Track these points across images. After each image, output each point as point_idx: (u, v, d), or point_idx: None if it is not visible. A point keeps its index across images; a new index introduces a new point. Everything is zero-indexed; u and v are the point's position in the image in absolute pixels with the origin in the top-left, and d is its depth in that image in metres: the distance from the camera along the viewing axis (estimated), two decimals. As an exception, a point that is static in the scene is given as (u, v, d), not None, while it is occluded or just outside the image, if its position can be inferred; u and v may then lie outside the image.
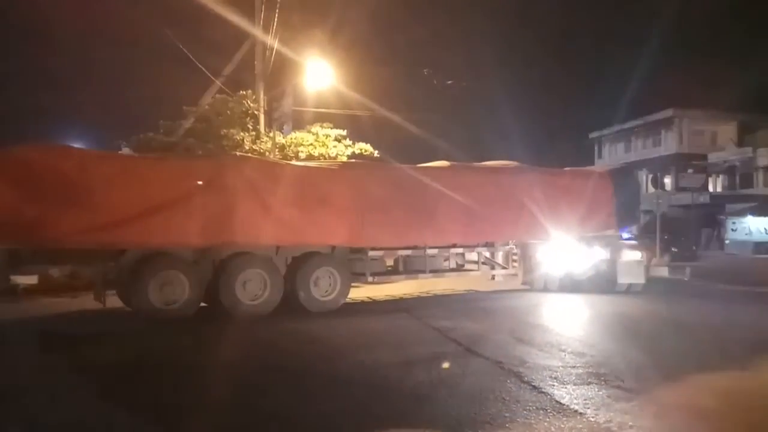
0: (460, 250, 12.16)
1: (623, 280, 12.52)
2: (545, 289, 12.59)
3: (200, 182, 9.30)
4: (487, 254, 12.71)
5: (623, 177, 14.35)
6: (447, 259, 12.30)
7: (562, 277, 12.87)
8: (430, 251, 11.52)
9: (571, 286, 12.69)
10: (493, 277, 13.19)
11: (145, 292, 8.83)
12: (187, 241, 9.12)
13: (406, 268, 11.63)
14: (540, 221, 12.10)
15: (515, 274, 13.12)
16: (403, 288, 12.24)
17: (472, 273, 12.63)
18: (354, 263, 10.80)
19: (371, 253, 10.91)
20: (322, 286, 10.16)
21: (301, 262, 10.08)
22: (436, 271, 11.92)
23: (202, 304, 9.51)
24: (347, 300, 11.24)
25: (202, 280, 9.32)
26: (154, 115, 18.02)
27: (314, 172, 10.68)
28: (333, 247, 10.48)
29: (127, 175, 8.98)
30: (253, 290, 9.52)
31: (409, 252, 11.46)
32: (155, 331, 8.33)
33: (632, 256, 12.79)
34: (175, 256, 9.26)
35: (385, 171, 12.16)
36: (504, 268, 12.95)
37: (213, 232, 9.10)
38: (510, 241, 12.74)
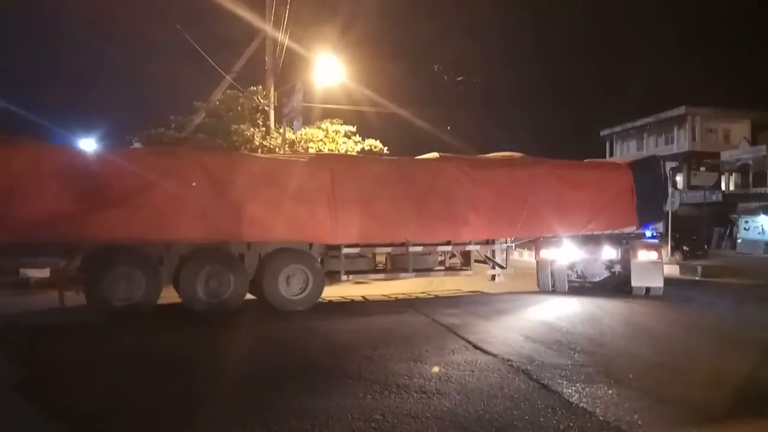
0: (449, 248, 11.30)
1: (638, 283, 11.50)
2: (554, 291, 11.89)
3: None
4: (487, 253, 11.87)
5: (646, 169, 12.87)
6: (443, 259, 11.57)
7: (573, 278, 12.22)
8: (413, 249, 10.77)
9: (583, 288, 12.08)
10: (493, 278, 12.10)
11: (98, 288, 8.74)
12: (146, 236, 8.87)
13: (390, 266, 11.04)
14: (544, 217, 11.34)
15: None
16: (405, 288, 12.00)
17: (463, 273, 11.80)
18: (329, 261, 10.34)
19: (345, 250, 10.33)
20: (294, 285, 9.81)
21: (271, 259, 9.76)
22: (422, 271, 11.22)
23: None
24: (350, 299, 11.19)
25: (163, 275, 9.19)
26: (165, 111, 18.14)
27: (283, 165, 10.24)
28: (310, 244, 10.08)
29: (81, 168, 8.81)
30: (216, 286, 9.29)
31: (389, 249, 10.79)
32: (150, 325, 8.38)
33: (648, 256, 11.59)
34: (133, 251, 9.05)
35: (361, 163, 11.52)
36: (503, 267, 11.93)
37: (175, 227, 8.93)
38: (508, 239, 11.85)
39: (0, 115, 18.21)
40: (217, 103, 17.59)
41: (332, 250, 10.33)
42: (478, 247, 11.56)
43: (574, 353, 6.82)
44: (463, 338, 7.55)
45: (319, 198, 9.82)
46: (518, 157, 12.37)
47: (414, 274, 11.06)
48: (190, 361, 6.44)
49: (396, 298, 11.48)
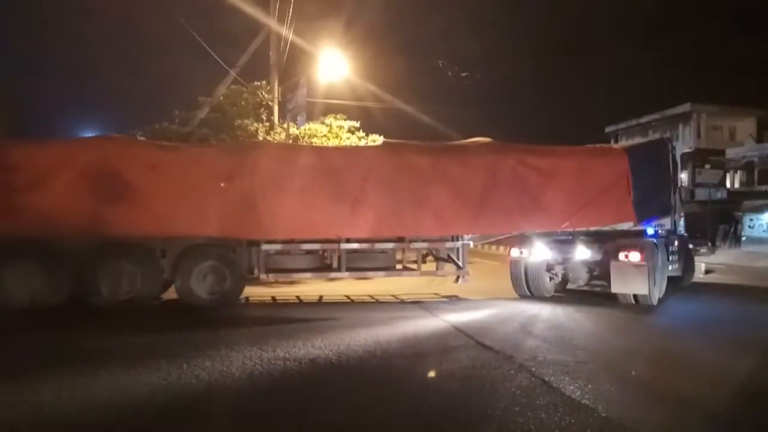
0: (391, 246, 10.29)
1: (618, 288, 9.79)
2: (531, 296, 10.77)
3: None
4: (441, 251, 10.76)
5: (648, 154, 11.13)
6: (415, 257, 10.69)
7: (557, 282, 11.04)
8: (345, 245, 9.96)
9: (567, 293, 11.05)
10: (457, 279, 10.77)
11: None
12: (50, 230, 8.62)
13: (336, 263, 10.21)
14: (510, 211, 10.14)
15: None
16: (395, 289, 11.62)
17: (408, 274, 10.92)
18: (249, 257, 9.84)
19: (265, 247, 9.73)
20: (211, 282, 9.47)
21: (185, 256, 9.43)
22: (357, 270, 10.34)
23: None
24: (350, 297, 11.05)
25: (65, 271, 8.96)
26: (169, 105, 18.16)
27: (197, 155, 9.77)
28: (236, 240, 9.66)
29: None
30: (124, 284, 9.07)
31: (317, 246, 10.02)
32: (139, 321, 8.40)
33: (628, 257, 9.63)
34: (34, 246, 8.81)
35: (285, 152, 10.65)
36: (460, 267, 10.65)
37: (78, 220, 8.67)
38: (465, 236, 10.71)
39: (4, 108, 18.26)
40: (221, 98, 17.59)
41: (253, 245, 9.82)
42: (425, 244, 10.57)
43: (576, 350, 6.80)
44: (465, 334, 7.55)
45: (237, 190, 9.31)
46: (480, 143, 10.84)
47: (348, 274, 10.27)
48: (188, 358, 6.43)
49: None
